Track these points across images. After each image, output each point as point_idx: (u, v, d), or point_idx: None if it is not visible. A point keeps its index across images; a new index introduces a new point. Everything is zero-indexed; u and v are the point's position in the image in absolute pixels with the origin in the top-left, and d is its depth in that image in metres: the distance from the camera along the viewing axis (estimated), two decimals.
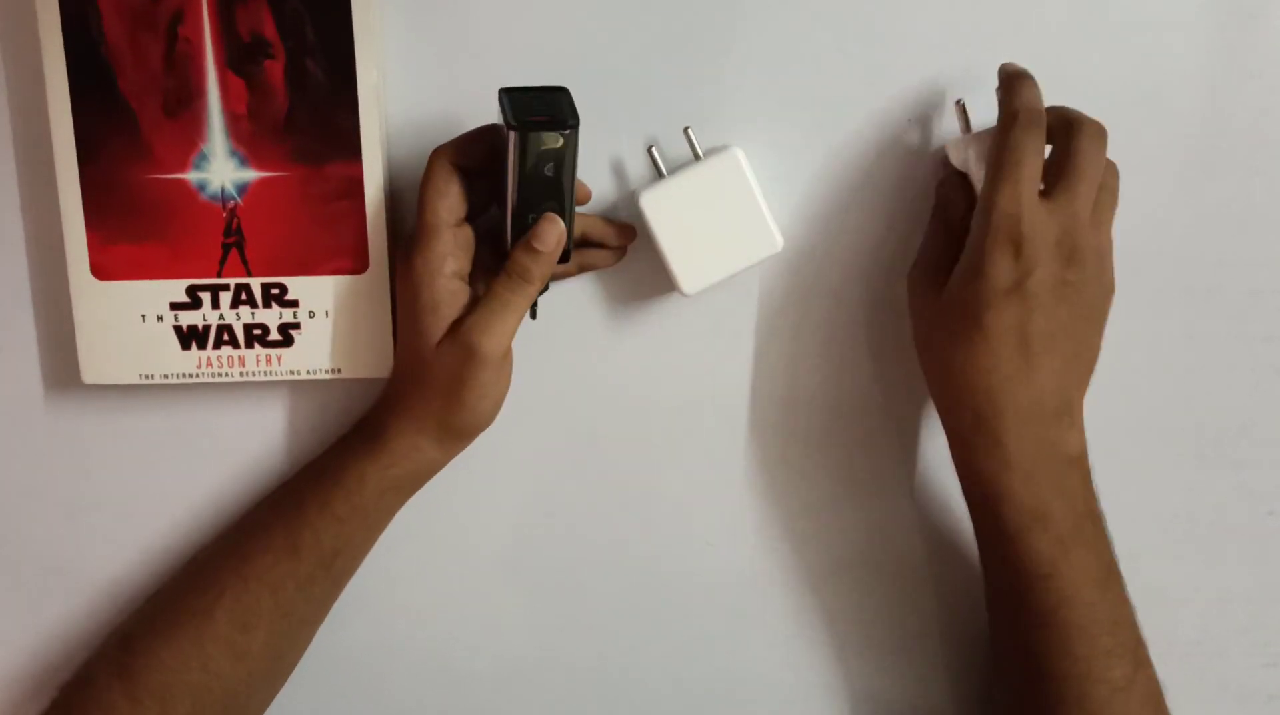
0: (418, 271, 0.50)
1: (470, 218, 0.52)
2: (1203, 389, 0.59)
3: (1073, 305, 0.47)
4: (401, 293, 0.52)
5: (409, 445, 0.53)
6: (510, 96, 0.49)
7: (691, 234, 0.52)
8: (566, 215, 0.51)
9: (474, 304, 0.51)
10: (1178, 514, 0.60)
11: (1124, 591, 0.50)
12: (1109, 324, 0.57)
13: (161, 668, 0.52)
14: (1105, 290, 0.49)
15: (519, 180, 0.49)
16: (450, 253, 0.50)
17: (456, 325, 0.50)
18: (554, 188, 0.50)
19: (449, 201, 0.50)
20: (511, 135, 0.48)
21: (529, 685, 0.61)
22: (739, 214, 0.52)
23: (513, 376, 0.54)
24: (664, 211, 0.52)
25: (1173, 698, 0.61)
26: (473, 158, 0.51)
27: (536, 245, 0.50)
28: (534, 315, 0.54)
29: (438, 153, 0.51)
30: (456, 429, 0.53)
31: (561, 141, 0.48)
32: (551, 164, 0.49)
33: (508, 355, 0.52)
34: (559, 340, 0.58)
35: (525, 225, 0.50)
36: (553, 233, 0.50)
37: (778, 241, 0.52)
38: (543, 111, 0.49)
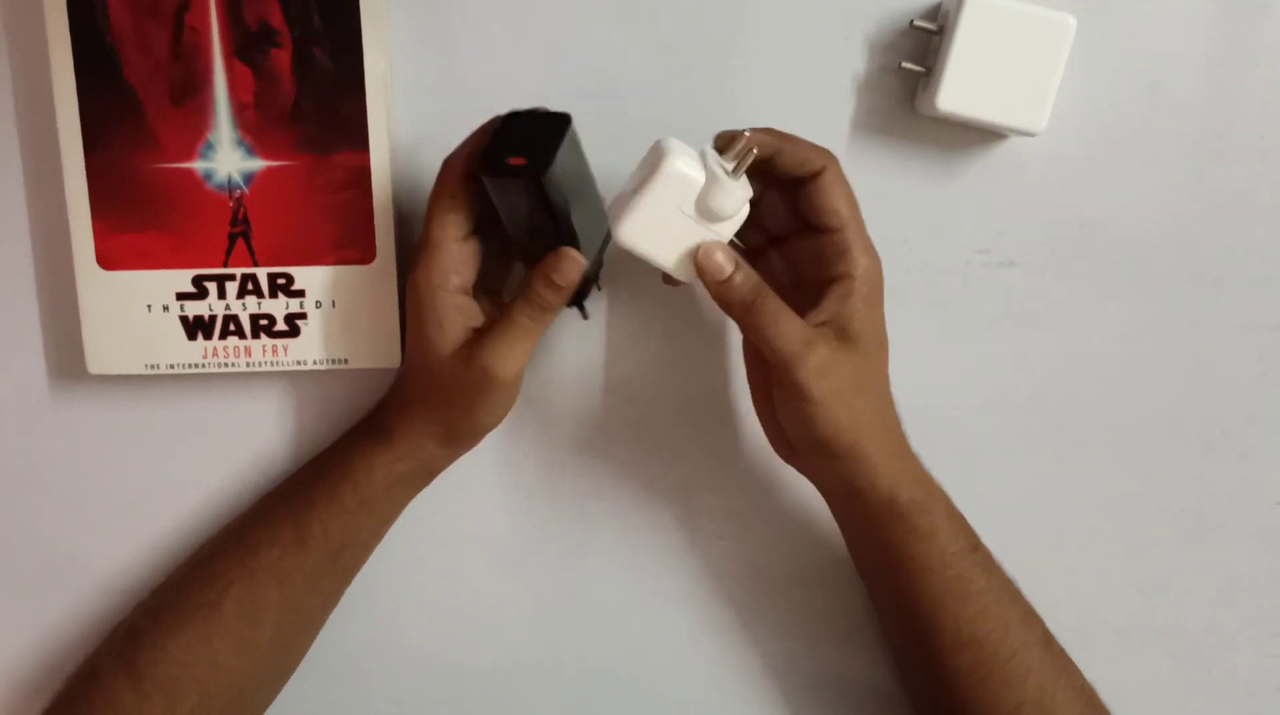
0: (421, 287, 0.49)
1: (481, 227, 0.51)
2: (1210, 379, 0.59)
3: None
4: (408, 301, 0.51)
5: (415, 445, 0.53)
6: (503, 126, 0.47)
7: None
8: (579, 247, 0.49)
9: (490, 326, 0.50)
10: (1185, 505, 0.60)
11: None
12: (1117, 314, 0.58)
13: (168, 661, 0.52)
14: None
15: (508, 218, 0.48)
16: (455, 268, 0.49)
17: (472, 345, 0.49)
18: (551, 217, 0.47)
19: (455, 216, 0.49)
20: (487, 182, 0.47)
21: (532, 682, 0.61)
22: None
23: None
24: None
25: (1180, 688, 0.61)
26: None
27: (556, 279, 0.48)
28: (585, 315, 0.53)
29: (448, 163, 0.49)
30: (463, 436, 0.53)
31: (526, 190, 0.46)
32: (528, 205, 0.47)
33: (520, 374, 0.51)
34: (561, 334, 0.58)
35: (531, 252, 0.49)
36: (570, 268, 0.48)
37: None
38: (526, 149, 0.46)
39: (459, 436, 0.53)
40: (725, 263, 0.48)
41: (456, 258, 0.49)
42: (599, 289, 0.54)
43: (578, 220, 0.48)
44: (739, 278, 0.48)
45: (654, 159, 0.48)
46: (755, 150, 0.47)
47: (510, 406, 0.53)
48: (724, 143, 0.48)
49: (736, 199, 0.48)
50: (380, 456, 0.53)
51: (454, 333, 0.50)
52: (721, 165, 0.48)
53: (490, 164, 0.46)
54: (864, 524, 0.53)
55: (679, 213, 0.48)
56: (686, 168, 0.47)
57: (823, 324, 0.49)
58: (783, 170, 0.49)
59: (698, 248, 0.49)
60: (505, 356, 0.49)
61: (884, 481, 0.51)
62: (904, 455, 0.52)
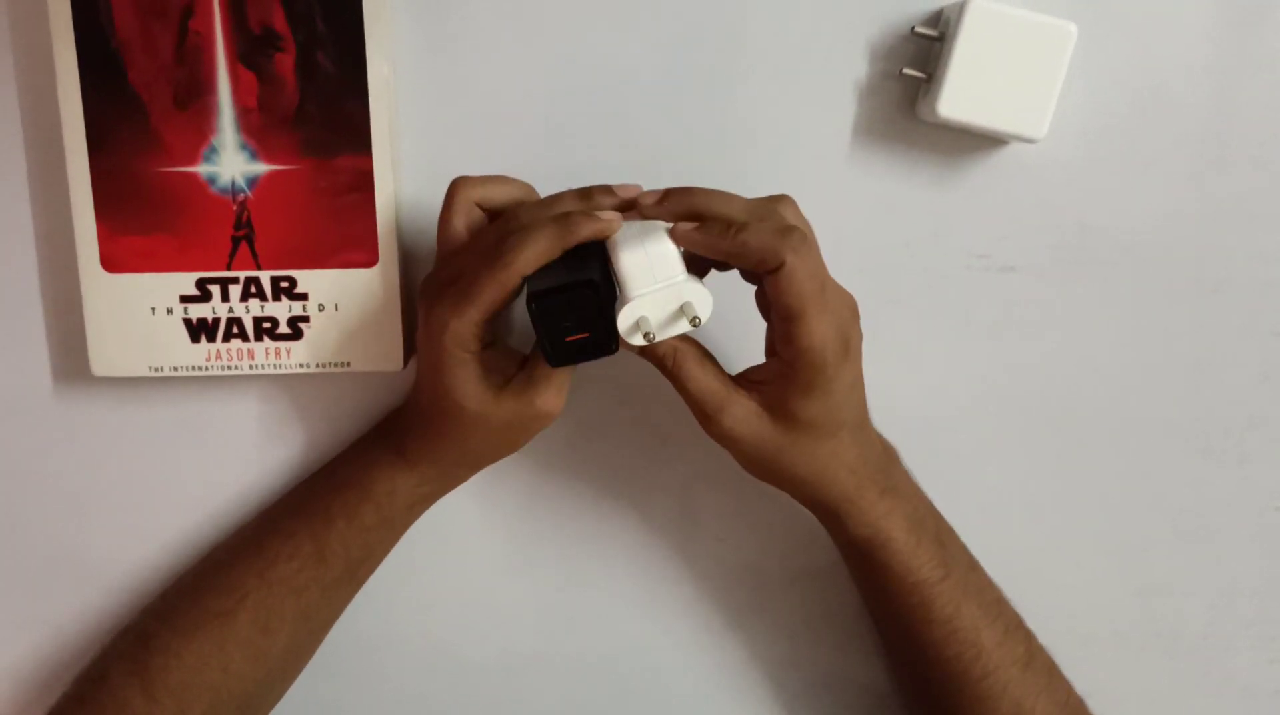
0: (453, 354, 0.48)
1: None
2: (1210, 383, 0.59)
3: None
4: (428, 359, 0.50)
5: (442, 470, 0.54)
6: (540, 313, 0.46)
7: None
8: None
9: (538, 367, 0.49)
10: (1185, 508, 0.60)
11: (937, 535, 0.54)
12: (1118, 319, 0.58)
13: (181, 667, 0.52)
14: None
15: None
16: (483, 335, 0.49)
17: (523, 388, 0.49)
18: None
19: (501, 303, 0.48)
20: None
21: (535, 677, 0.61)
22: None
23: None
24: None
25: (1178, 692, 0.61)
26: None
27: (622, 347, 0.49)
28: None
29: (514, 268, 0.46)
30: (495, 459, 0.54)
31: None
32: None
33: None
34: None
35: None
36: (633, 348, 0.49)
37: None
38: (577, 322, 0.46)
39: (492, 460, 0.54)
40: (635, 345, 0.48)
41: (488, 326, 0.49)
42: None
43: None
44: (654, 348, 0.48)
45: (641, 235, 0.47)
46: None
47: None
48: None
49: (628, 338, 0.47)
50: (403, 480, 0.53)
51: (495, 380, 0.49)
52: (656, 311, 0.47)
53: (560, 355, 0.47)
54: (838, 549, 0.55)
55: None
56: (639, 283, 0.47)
57: (757, 382, 0.49)
58: (741, 268, 0.48)
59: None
60: (559, 396, 0.50)
61: (828, 518, 0.53)
62: (854, 498, 0.51)
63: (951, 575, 0.52)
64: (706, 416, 0.49)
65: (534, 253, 0.46)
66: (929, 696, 0.54)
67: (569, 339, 0.47)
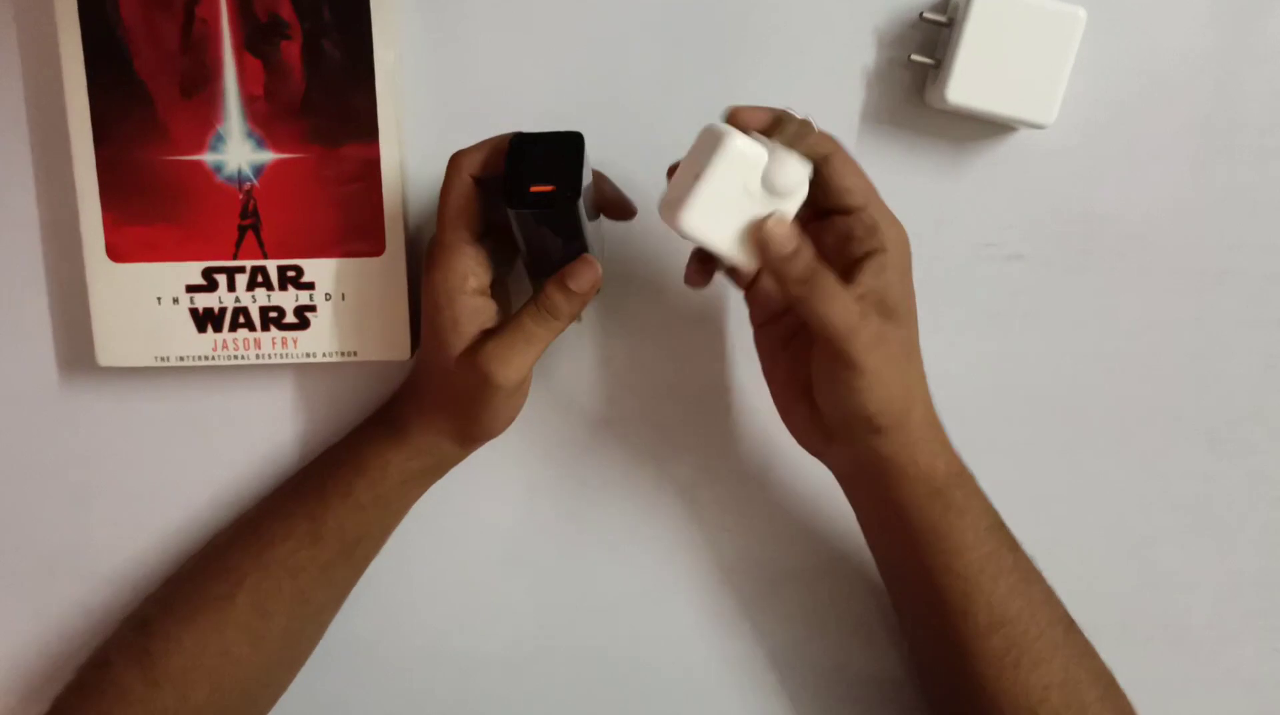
0: (438, 288, 0.49)
1: (492, 229, 0.50)
2: (1215, 374, 0.59)
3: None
4: (425, 302, 0.51)
5: (430, 443, 0.53)
6: (515, 153, 0.46)
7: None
8: (592, 253, 0.49)
9: (498, 328, 0.49)
10: (1189, 499, 0.60)
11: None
12: (1124, 307, 0.58)
13: (180, 652, 0.52)
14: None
15: (526, 241, 0.48)
16: (471, 270, 0.49)
17: (476, 347, 0.49)
18: (568, 238, 0.48)
19: (468, 219, 0.49)
20: (509, 211, 0.46)
21: (537, 672, 0.61)
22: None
23: None
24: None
25: (1183, 683, 0.61)
26: (495, 169, 0.48)
27: (571, 285, 0.48)
28: (579, 318, 0.52)
29: (456, 165, 0.49)
30: (474, 437, 0.53)
31: (550, 217, 0.46)
32: (552, 230, 0.47)
33: (525, 380, 0.51)
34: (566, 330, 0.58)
35: (545, 267, 0.49)
36: (588, 275, 0.48)
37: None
38: (546, 174, 0.46)
39: (470, 437, 0.53)
40: (792, 236, 0.46)
41: (472, 259, 0.49)
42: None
43: (590, 237, 0.48)
44: (803, 252, 0.46)
45: (709, 142, 0.45)
46: (813, 125, 0.46)
47: (516, 412, 0.53)
48: (760, 123, 0.46)
49: (801, 171, 0.45)
50: (394, 454, 0.53)
51: (468, 334, 0.49)
52: (776, 142, 0.46)
53: (515, 196, 0.46)
54: (897, 506, 0.51)
55: (743, 193, 0.45)
56: (747, 145, 0.45)
57: (862, 298, 0.47)
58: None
59: (758, 226, 0.46)
60: (506, 361, 0.48)
61: (924, 455, 0.50)
62: (938, 428, 0.51)
63: (1003, 524, 0.52)
64: (851, 334, 0.46)
65: (474, 149, 0.49)
66: (983, 668, 0.52)
67: (533, 189, 0.46)
